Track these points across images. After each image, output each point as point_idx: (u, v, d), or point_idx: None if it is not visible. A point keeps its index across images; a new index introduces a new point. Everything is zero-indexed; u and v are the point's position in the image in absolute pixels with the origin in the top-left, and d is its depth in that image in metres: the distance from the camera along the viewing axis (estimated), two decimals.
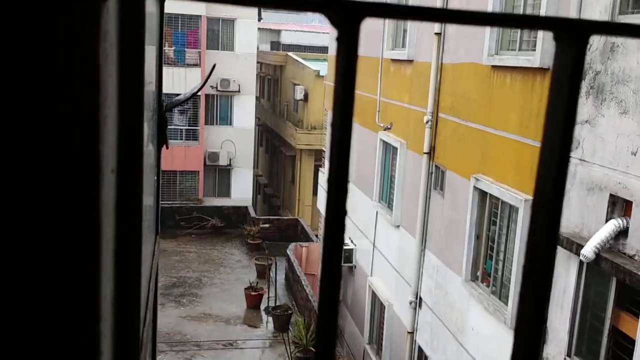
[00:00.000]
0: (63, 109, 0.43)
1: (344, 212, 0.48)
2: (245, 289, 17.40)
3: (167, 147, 1.59)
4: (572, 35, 0.49)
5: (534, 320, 0.51)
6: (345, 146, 0.48)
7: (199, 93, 24.65)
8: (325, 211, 0.48)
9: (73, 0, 0.42)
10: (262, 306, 17.25)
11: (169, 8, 25.50)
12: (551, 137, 0.50)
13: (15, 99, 0.43)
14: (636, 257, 5.59)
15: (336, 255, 0.50)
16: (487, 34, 8.23)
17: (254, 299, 17.18)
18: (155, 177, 1.52)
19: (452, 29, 9.56)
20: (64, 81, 0.43)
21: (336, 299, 0.48)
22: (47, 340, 0.47)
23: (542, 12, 7.04)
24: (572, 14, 6.49)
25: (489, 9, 8.20)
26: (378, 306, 12.63)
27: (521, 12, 7.76)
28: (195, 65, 24.80)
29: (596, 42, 6.19)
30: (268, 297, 17.12)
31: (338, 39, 0.47)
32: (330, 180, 0.48)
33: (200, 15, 24.59)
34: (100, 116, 0.45)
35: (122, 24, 0.56)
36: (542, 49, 7.02)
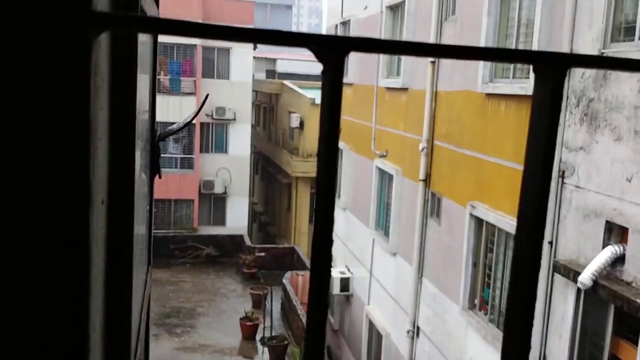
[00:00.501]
0: (53, 142, 0.44)
1: (330, 241, 0.48)
2: (240, 319, 17.21)
3: (159, 177, 1.60)
4: (551, 68, 0.50)
5: (522, 334, 0.52)
6: (331, 174, 0.49)
7: (194, 121, 24.76)
8: (312, 240, 0.49)
9: (64, 36, 0.43)
10: (258, 337, 17.03)
11: (164, 37, 25.82)
12: (532, 167, 0.51)
13: (6, 130, 0.44)
14: (633, 284, 5.58)
15: (323, 287, 0.51)
16: (481, 61, 8.35)
17: (249, 330, 16.98)
18: (148, 207, 1.52)
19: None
20: (54, 114, 0.44)
21: (324, 319, 0.49)
22: None
23: (535, 40, 7.15)
24: (565, 42, 6.60)
25: (482, 38, 8.33)
26: (375, 335, 12.49)
27: (514, 40, 7.89)
28: (191, 93, 24.96)
29: (589, 69, 6.28)
30: (264, 327, 16.92)
31: (323, 73, 0.48)
32: (317, 213, 0.48)
33: (196, 45, 24.86)
34: (91, 148, 0.46)
35: (114, 58, 0.57)
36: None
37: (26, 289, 0.46)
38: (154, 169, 1.50)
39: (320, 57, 0.48)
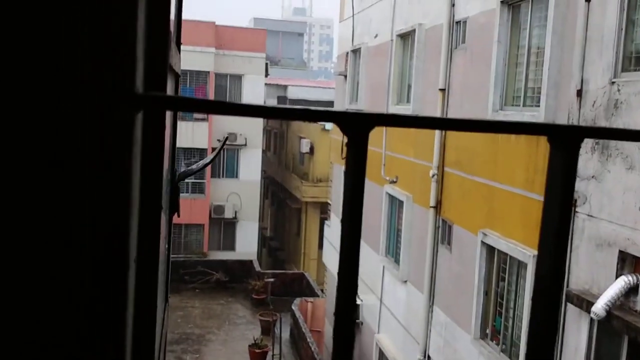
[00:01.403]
0: (101, 208, 0.47)
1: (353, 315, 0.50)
2: (249, 346, 17.07)
3: (178, 216, 1.62)
4: (565, 140, 0.53)
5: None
6: (355, 244, 0.51)
7: (206, 146, 24.95)
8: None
9: (109, 116, 0.46)
10: None
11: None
12: (546, 239, 0.53)
13: (60, 192, 0.47)
14: None
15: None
16: (492, 89, 8.39)
17: (258, 357, 16.82)
18: (167, 245, 1.55)
19: (456, 84, 9.75)
20: (98, 188, 0.47)
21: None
22: None
23: (545, 69, 7.18)
24: (575, 71, 6.62)
25: (492, 66, 8.39)
26: None
27: (524, 69, 7.93)
28: (203, 120, 25.21)
29: (599, 97, 6.29)
30: (273, 355, 16.77)
31: (348, 145, 0.51)
32: (340, 278, 0.50)
33: (209, 72, 25.18)
34: (132, 218, 0.48)
35: (145, 131, 0.60)
36: (546, 105, 7.13)
37: (64, 348, 0.48)
38: (173, 208, 1.53)
39: (345, 131, 0.51)
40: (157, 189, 0.68)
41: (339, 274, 0.52)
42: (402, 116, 0.49)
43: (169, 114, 1.29)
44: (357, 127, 0.49)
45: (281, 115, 0.48)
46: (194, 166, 2.48)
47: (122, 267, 0.48)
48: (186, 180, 25.57)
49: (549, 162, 0.55)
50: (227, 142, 25.79)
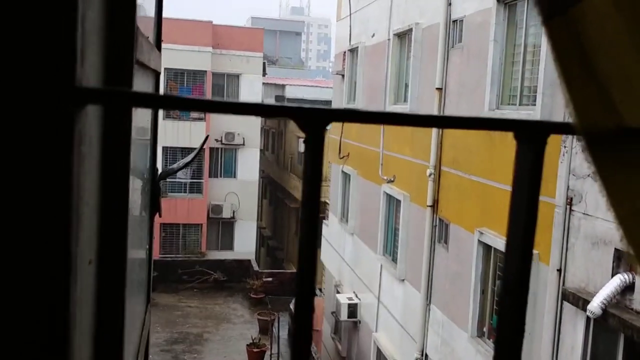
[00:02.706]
0: (32, 211, 0.45)
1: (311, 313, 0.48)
2: (247, 345, 17.07)
3: (160, 216, 1.61)
4: (531, 136, 0.51)
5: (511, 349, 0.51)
6: (312, 239, 0.50)
7: (204, 146, 24.92)
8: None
9: (48, 111, 0.44)
10: None
11: (174, 64, 25.85)
12: (514, 234, 0.52)
13: None
14: None
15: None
16: (488, 87, 8.38)
17: (256, 356, 16.82)
18: (148, 246, 1.53)
19: (453, 83, 9.74)
20: (36, 186, 0.45)
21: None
22: None
23: (542, 67, 7.16)
24: None
25: (489, 65, 8.38)
26: None
27: (520, 67, 7.92)
28: (200, 119, 25.17)
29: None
30: (271, 354, 16.77)
31: (305, 141, 0.49)
32: (298, 280, 0.49)
33: (206, 71, 25.15)
34: (73, 217, 0.46)
35: (106, 126, 0.58)
36: (542, 103, 7.12)
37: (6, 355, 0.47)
38: (154, 208, 1.51)
39: (302, 127, 0.49)
40: (122, 187, 0.66)
41: (297, 275, 0.51)
42: (357, 111, 0.48)
43: (143, 111, 1.27)
44: (313, 122, 0.47)
45: (232, 110, 0.47)
46: (174, 165, 2.46)
47: (64, 268, 0.46)
48: (184, 180, 25.55)
49: (515, 159, 0.54)
50: (225, 142, 25.78)
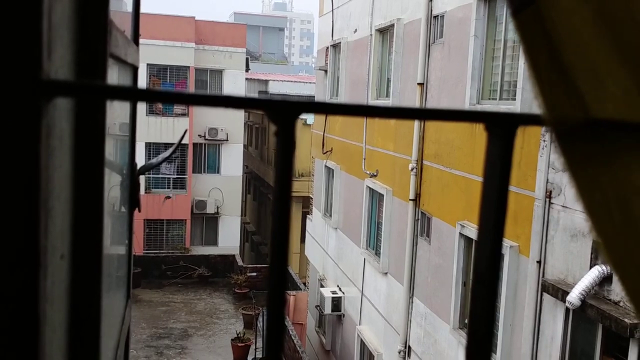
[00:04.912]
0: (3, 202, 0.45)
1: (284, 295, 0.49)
2: (232, 340, 17.05)
3: (139, 211, 1.60)
4: (501, 127, 0.52)
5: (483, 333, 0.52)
6: (284, 235, 0.50)
7: (187, 142, 24.77)
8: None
9: (11, 104, 0.44)
10: (250, 357, 16.86)
11: (157, 59, 25.62)
12: (485, 223, 0.53)
13: None
14: (621, 304, 5.59)
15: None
16: (469, 82, 8.44)
17: (241, 351, 16.81)
18: (127, 241, 1.52)
19: (434, 78, 9.78)
20: (4, 174, 0.45)
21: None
22: None
23: (521, 62, 7.24)
24: None
25: (469, 60, 8.43)
26: (367, 355, 12.41)
27: (500, 62, 7.98)
28: (183, 114, 25.01)
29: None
30: (255, 348, 16.77)
31: (275, 134, 0.49)
32: (270, 277, 0.49)
33: (189, 66, 24.97)
34: (41, 211, 0.46)
35: (78, 119, 0.58)
36: (522, 98, 7.19)
37: None
38: (134, 203, 1.50)
39: (273, 120, 0.49)
40: (96, 181, 0.66)
41: (269, 272, 0.51)
42: (327, 104, 0.48)
43: (121, 105, 1.26)
44: (284, 114, 0.47)
45: (203, 102, 0.47)
46: (153, 160, 2.45)
47: (32, 262, 0.46)
48: (167, 176, 25.38)
49: (486, 150, 0.55)
50: (209, 138, 25.64)
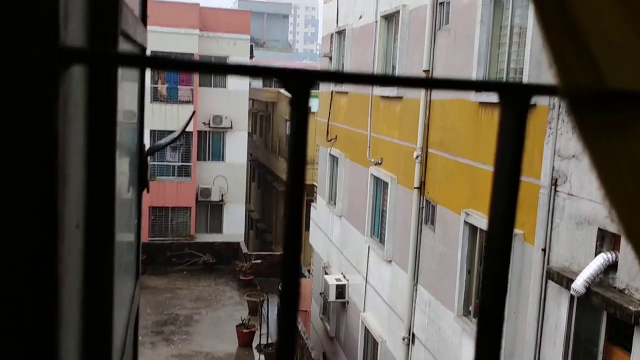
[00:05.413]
0: (16, 174, 0.45)
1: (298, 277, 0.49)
2: (237, 326, 17.17)
3: (147, 191, 1.61)
4: (515, 98, 0.52)
5: (493, 325, 0.52)
6: (297, 199, 0.50)
7: (192, 130, 24.78)
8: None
9: (31, 71, 0.44)
10: (254, 344, 16.99)
11: (161, 46, 25.56)
12: (498, 198, 0.53)
13: None
14: (626, 291, 5.60)
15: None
16: (475, 69, 8.39)
17: (245, 337, 16.93)
18: (136, 220, 1.53)
19: (440, 65, 9.73)
20: (19, 147, 0.45)
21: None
22: None
23: (527, 49, 7.19)
24: None
25: (475, 46, 8.38)
26: (371, 342, 12.48)
27: (507, 49, 7.93)
28: (188, 102, 25.00)
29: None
30: (260, 335, 16.88)
31: (291, 103, 0.50)
32: (285, 237, 0.49)
33: (193, 54, 24.91)
34: (59, 177, 0.47)
35: (91, 88, 0.58)
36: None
37: None
38: (142, 183, 1.51)
39: (288, 89, 0.49)
40: (108, 152, 0.66)
41: (283, 234, 0.51)
42: (342, 73, 0.48)
43: (130, 85, 1.26)
44: (299, 83, 0.47)
45: (216, 71, 0.47)
46: (162, 141, 2.46)
47: (51, 228, 0.46)
48: (172, 164, 25.42)
49: (499, 122, 0.55)
50: (213, 125, 25.63)
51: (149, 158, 1.66)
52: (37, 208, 0.45)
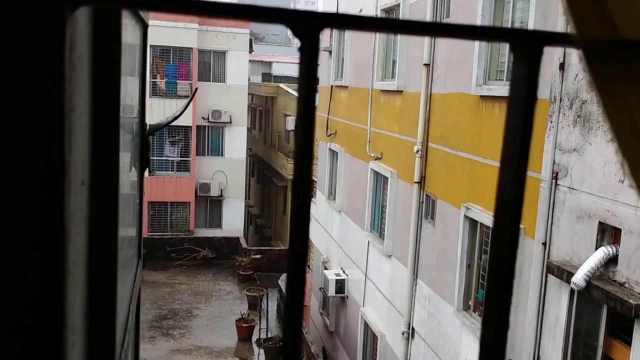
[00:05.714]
0: (23, 118, 0.44)
1: (307, 217, 0.48)
2: (236, 320, 17.18)
3: (150, 172, 1.60)
4: (528, 46, 0.51)
5: (498, 324, 0.52)
6: (307, 156, 0.49)
7: (190, 124, 24.74)
8: (290, 219, 0.49)
9: (36, 11, 0.43)
10: (254, 338, 17.00)
11: (160, 40, 25.53)
12: (510, 148, 0.52)
13: None
14: (626, 285, 5.60)
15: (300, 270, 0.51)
16: (475, 63, 8.37)
17: (245, 331, 16.95)
18: (138, 200, 1.52)
19: (440, 60, 9.71)
20: (26, 92, 0.44)
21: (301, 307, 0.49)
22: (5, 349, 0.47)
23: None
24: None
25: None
26: (370, 337, 12.49)
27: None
28: (187, 96, 24.93)
29: (582, 71, 6.30)
30: (260, 329, 16.90)
31: (300, 49, 0.48)
32: (294, 190, 0.48)
33: (192, 48, 24.86)
34: (66, 125, 0.46)
35: (95, 37, 0.57)
36: None
37: None
38: (144, 162, 1.50)
39: (296, 33, 0.48)
40: (113, 106, 0.65)
41: (292, 189, 0.50)
42: (353, 16, 0.47)
43: (132, 83, 1.25)
44: (309, 27, 0.46)
45: (220, 13, 0.46)
46: (163, 120, 2.46)
47: (57, 178, 0.45)
48: (171, 159, 25.39)
49: (512, 73, 0.54)
50: (212, 120, 25.59)
51: (150, 138, 1.67)
52: (45, 155, 0.44)
